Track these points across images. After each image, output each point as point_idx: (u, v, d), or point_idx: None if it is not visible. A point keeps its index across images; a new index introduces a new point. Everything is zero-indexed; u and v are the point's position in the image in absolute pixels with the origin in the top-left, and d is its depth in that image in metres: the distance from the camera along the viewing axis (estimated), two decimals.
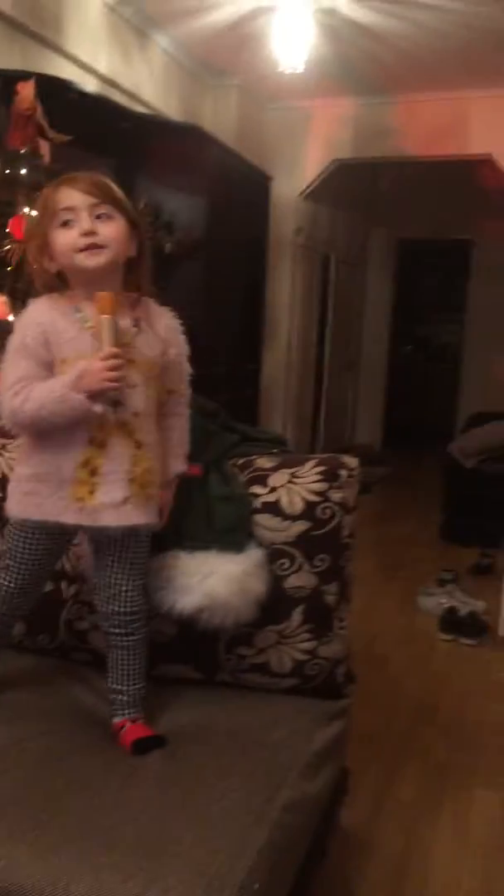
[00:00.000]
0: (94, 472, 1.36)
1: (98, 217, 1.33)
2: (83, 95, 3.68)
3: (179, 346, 1.48)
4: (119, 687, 1.46)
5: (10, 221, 2.56)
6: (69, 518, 1.37)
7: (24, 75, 2.86)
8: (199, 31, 4.49)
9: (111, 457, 1.36)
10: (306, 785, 1.39)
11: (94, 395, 1.30)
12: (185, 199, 4.29)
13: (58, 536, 1.44)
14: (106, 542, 1.43)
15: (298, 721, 1.52)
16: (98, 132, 3.54)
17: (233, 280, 4.88)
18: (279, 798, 1.28)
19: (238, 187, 4.81)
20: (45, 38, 3.76)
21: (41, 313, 1.36)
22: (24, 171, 2.65)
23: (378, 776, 2.19)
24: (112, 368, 1.29)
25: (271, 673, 1.61)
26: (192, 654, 1.61)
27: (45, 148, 2.74)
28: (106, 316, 1.31)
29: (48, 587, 1.64)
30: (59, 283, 1.39)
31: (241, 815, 1.22)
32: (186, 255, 4.21)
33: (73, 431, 1.35)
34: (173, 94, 4.95)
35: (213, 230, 4.39)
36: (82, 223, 1.32)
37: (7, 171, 2.68)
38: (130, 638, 1.47)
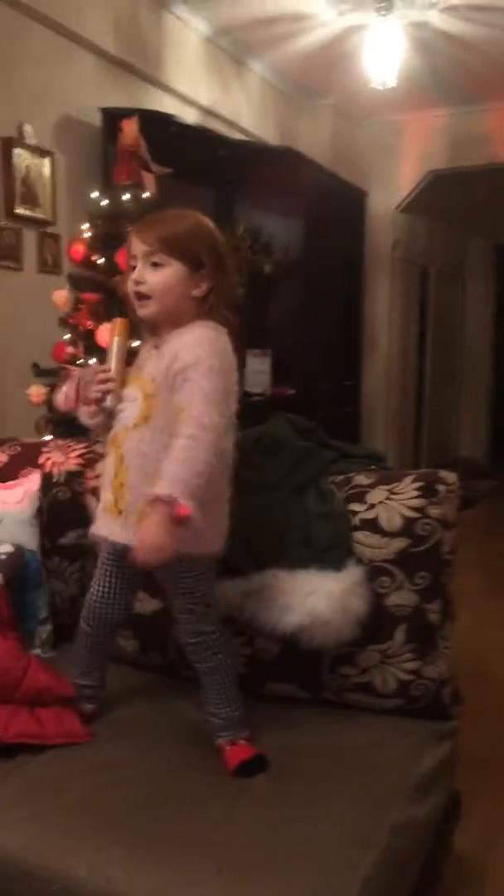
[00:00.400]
0: (105, 481, 1.50)
1: (152, 265, 1.40)
2: (183, 127, 3.81)
3: (186, 360, 1.34)
4: (212, 710, 1.48)
5: (117, 254, 2.69)
6: (105, 533, 1.49)
7: (128, 112, 3.01)
8: (293, 54, 4.57)
9: (106, 467, 1.49)
10: (415, 808, 1.38)
11: (92, 404, 1.46)
12: (282, 221, 4.36)
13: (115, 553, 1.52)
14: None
15: (405, 742, 1.51)
16: (198, 162, 3.66)
17: (331, 297, 4.91)
18: (387, 821, 1.28)
19: (334, 205, 4.84)
20: (148, 75, 3.92)
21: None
22: (128, 205, 2.77)
23: (492, 801, 2.14)
24: (102, 382, 1.44)
25: (375, 693, 1.60)
26: (297, 673, 1.63)
27: (148, 181, 2.86)
28: (116, 337, 1.48)
29: (158, 605, 1.71)
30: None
31: (348, 837, 1.22)
32: (285, 276, 4.28)
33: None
34: (270, 119, 5.05)
35: (311, 249, 4.44)
36: (136, 271, 1.41)
37: (113, 206, 2.81)
38: (204, 664, 1.48)
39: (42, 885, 1.19)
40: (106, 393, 1.45)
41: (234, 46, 4.51)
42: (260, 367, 4.25)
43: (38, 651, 1.78)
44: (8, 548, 1.83)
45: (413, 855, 1.37)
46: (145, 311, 1.41)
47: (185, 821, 1.26)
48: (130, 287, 1.41)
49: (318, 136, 5.38)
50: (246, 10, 4.07)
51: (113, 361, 1.47)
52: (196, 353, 1.35)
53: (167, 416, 1.36)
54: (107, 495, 1.47)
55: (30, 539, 1.90)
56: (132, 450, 1.42)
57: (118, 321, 1.49)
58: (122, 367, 1.47)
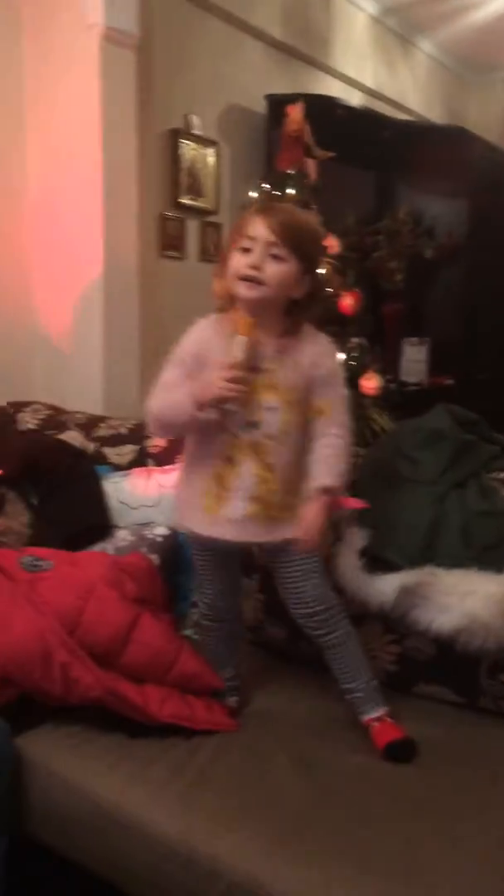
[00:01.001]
0: (224, 488, 1.43)
1: (272, 255, 1.36)
2: (348, 110, 3.75)
3: (327, 368, 1.46)
4: (349, 686, 1.48)
5: None
6: (202, 529, 1.47)
7: (293, 98, 2.99)
8: (463, 30, 4.39)
9: (241, 475, 1.42)
10: None
11: (211, 405, 1.37)
12: (447, 203, 4.19)
13: (218, 549, 1.51)
14: (272, 551, 1.49)
15: None
16: (361, 144, 3.58)
17: (497, 282, 4.67)
18: None
19: None
20: (314, 59, 3.89)
21: (202, 329, 1.46)
22: (291, 191, 2.75)
23: None
24: (232, 382, 1.34)
25: None
26: (451, 676, 1.57)
27: (311, 166, 2.83)
28: (240, 336, 1.37)
29: None
30: (231, 301, 1.44)
31: (496, 843, 1.17)
32: (447, 260, 4.12)
33: (211, 447, 1.43)
34: (436, 98, 4.87)
35: (477, 232, 4.23)
36: (254, 256, 1.36)
37: (276, 192, 2.81)
38: (332, 635, 1.48)
39: (189, 867, 1.21)
40: (238, 395, 1.37)
41: (402, 25, 4.38)
42: (416, 357, 4.12)
43: (189, 632, 1.82)
44: (164, 530, 1.88)
45: None
46: (252, 293, 1.38)
47: (330, 817, 1.24)
48: (241, 267, 1.37)
49: (490, 113, 5.12)
50: None
51: (239, 362, 1.38)
52: (334, 363, 1.50)
53: (301, 423, 1.44)
54: (237, 501, 1.43)
55: None
56: (280, 458, 1.43)
57: (243, 320, 1.40)
58: (247, 370, 1.40)
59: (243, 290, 1.38)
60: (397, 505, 1.60)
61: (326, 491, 1.42)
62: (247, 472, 1.43)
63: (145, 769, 1.37)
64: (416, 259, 3.96)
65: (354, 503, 1.44)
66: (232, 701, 1.58)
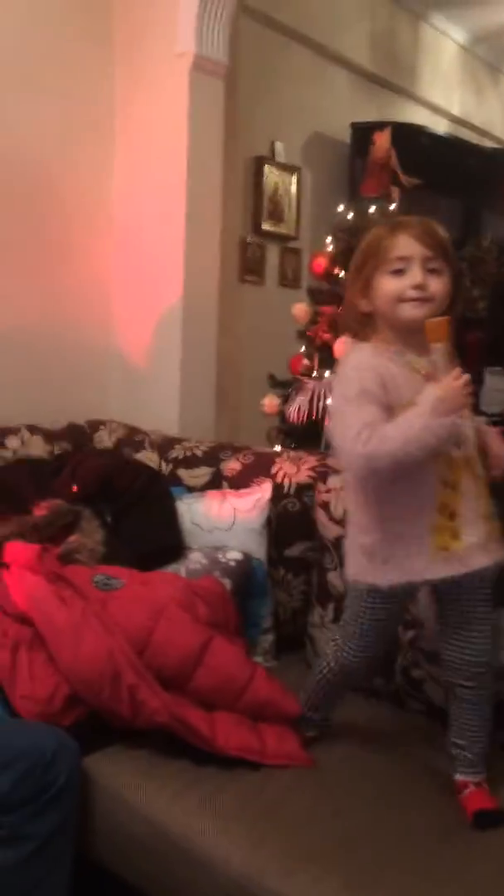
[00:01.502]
0: (452, 516, 1.30)
1: (430, 271, 1.31)
2: (434, 138, 3.72)
3: None
4: (462, 742, 1.39)
5: None
6: (436, 572, 1.30)
7: (378, 125, 2.98)
8: None
9: (465, 496, 1.30)
10: None
11: (455, 417, 1.25)
12: None
13: (402, 597, 1.41)
14: (454, 588, 1.35)
15: None
16: (446, 172, 3.55)
17: None
18: None
19: None
20: (400, 87, 3.88)
21: (371, 357, 1.33)
22: (374, 218, 2.73)
23: None
24: (466, 387, 1.25)
25: None
26: None
27: (395, 194, 2.80)
28: (438, 344, 1.27)
29: None
30: (365, 324, 1.37)
31: None
32: None
33: (425, 477, 1.29)
34: None
35: None
36: (415, 275, 1.30)
37: (358, 219, 2.79)
38: (478, 691, 1.37)
39: None
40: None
41: (491, 53, 4.34)
42: (498, 386, 4.01)
43: (259, 659, 1.79)
44: (237, 555, 1.86)
45: None
46: (421, 312, 1.30)
47: (409, 862, 1.19)
48: (405, 290, 1.30)
49: None
50: None
51: (445, 369, 1.26)
52: None
53: None
54: (472, 526, 1.30)
55: (258, 548, 1.91)
56: (481, 469, 1.33)
57: (438, 323, 1.27)
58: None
59: (410, 311, 1.31)
60: None
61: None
62: (468, 492, 1.31)
63: (213, 798, 1.34)
64: (499, 287, 3.87)
65: None
66: (310, 735, 1.52)
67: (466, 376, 1.25)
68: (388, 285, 1.31)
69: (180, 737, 1.43)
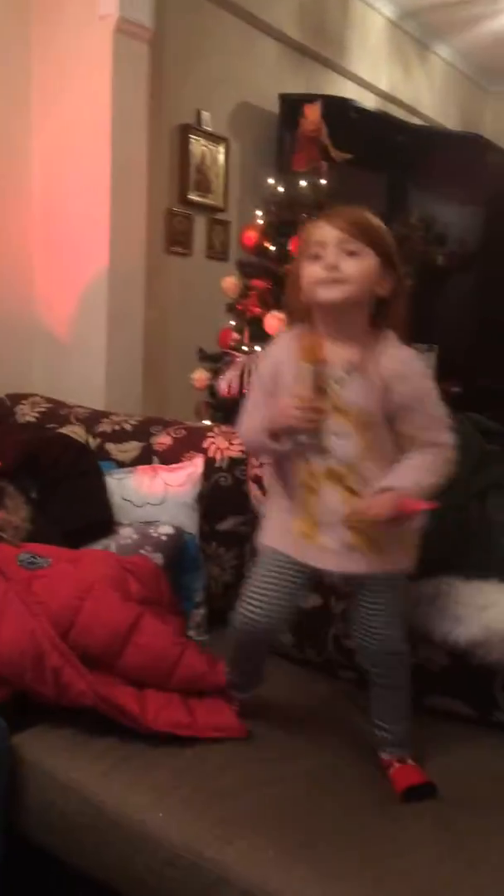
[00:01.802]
0: (312, 515, 1.33)
1: (348, 253, 1.29)
2: (363, 113, 3.72)
3: (414, 386, 1.31)
4: (382, 724, 1.40)
5: (291, 241, 2.64)
6: (297, 554, 1.35)
7: (308, 98, 2.95)
8: (481, 37, 4.37)
9: (324, 503, 1.32)
10: None
11: (282, 433, 1.30)
12: (460, 210, 4.16)
13: (301, 572, 1.39)
14: (350, 580, 1.38)
15: None
16: (374, 148, 3.55)
17: None
18: None
19: None
20: (328, 60, 3.86)
21: (279, 348, 1.39)
22: (305, 192, 2.71)
23: None
24: (302, 412, 1.27)
25: None
26: (465, 690, 1.52)
27: (325, 168, 2.79)
28: (304, 364, 1.30)
29: (317, 601, 1.64)
30: (308, 316, 1.36)
31: None
32: (459, 267, 4.08)
33: (295, 473, 1.34)
34: (452, 104, 4.85)
35: (490, 240, 4.20)
36: (327, 257, 1.29)
37: (289, 192, 2.76)
38: (388, 678, 1.38)
39: (194, 872, 1.17)
40: (308, 425, 1.29)
41: (420, 30, 4.35)
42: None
43: (192, 633, 1.77)
44: (168, 529, 1.83)
45: None
46: (333, 293, 1.28)
47: (344, 830, 1.20)
48: (318, 275, 1.29)
49: None
50: None
51: (308, 390, 1.29)
52: (416, 381, 1.32)
53: (385, 442, 1.31)
54: (331, 531, 1.32)
55: (190, 522, 1.89)
56: (367, 483, 1.30)
57: (307, 345, 1.31)
58: (318, 397, 1.30)
59: (323, 293, 1.29)
60: None
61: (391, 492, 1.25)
62: (331, 500, 1.31)
63: (147, 773, 1.32)
64: (426, 265, 3.92)
65: (424, 504, 1.24)
66: (241, 697, 1.50)
67: (300, 404, 1.28)
68: (306, 271, 1.32)
69: (109, 717, 1.41)
